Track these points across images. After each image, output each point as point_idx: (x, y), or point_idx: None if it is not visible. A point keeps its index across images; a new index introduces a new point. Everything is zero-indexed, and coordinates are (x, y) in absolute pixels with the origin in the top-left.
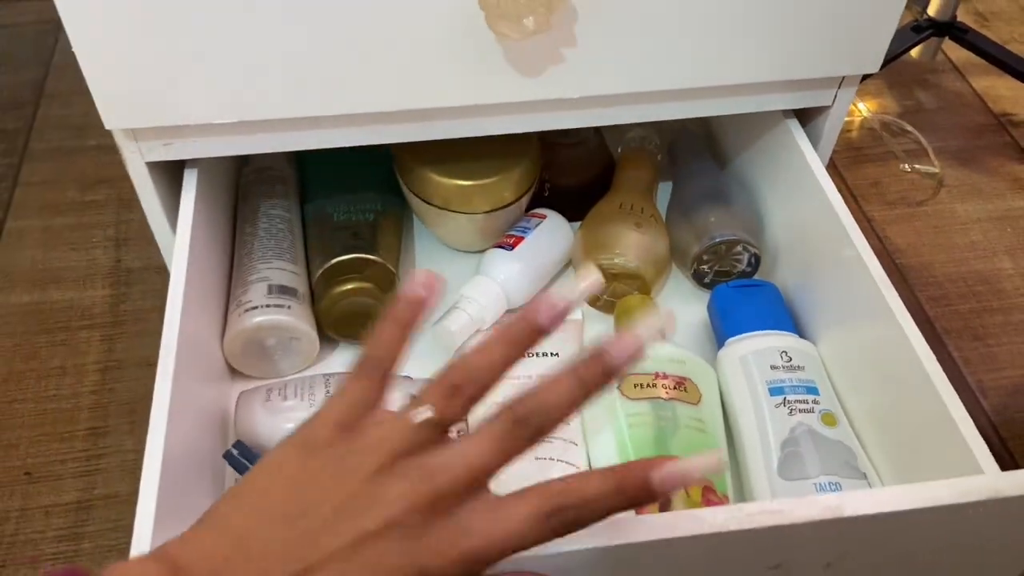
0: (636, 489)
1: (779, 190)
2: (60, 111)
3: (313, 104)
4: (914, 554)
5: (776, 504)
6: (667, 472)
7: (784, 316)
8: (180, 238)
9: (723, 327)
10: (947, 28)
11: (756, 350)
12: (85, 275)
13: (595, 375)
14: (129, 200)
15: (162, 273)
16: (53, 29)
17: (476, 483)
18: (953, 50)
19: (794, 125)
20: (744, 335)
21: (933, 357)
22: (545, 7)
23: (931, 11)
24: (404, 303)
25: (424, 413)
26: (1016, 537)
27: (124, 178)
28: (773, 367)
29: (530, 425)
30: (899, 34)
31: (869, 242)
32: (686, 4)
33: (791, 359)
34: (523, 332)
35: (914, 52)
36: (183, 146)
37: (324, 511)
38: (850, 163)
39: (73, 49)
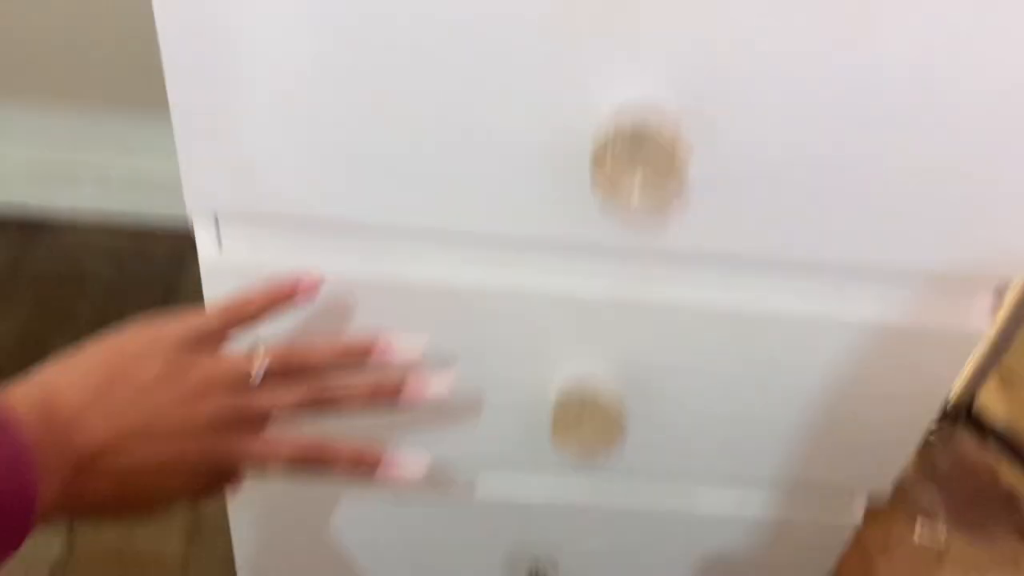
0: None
1: None
2: None
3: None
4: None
5: None
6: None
7: None
8: None
9: None
10: None
11: None
12: None
13: (386, 397)
14: None
15: None
16: None
17: (266, 420)
18: None
19: None
20: None
21: None
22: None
23: None
24: (284, 290)
25: (260, 375)
26: None
27: None
28: None
29: (322, 408)
30: None
31: None
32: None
33: None
34: (363, 348)
35: None
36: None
37: (171, 394)
38: None
39: (175, 133)
